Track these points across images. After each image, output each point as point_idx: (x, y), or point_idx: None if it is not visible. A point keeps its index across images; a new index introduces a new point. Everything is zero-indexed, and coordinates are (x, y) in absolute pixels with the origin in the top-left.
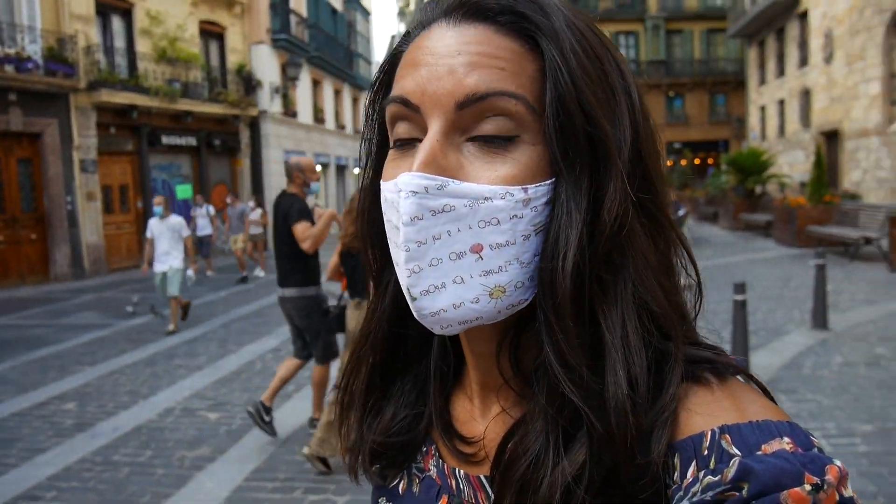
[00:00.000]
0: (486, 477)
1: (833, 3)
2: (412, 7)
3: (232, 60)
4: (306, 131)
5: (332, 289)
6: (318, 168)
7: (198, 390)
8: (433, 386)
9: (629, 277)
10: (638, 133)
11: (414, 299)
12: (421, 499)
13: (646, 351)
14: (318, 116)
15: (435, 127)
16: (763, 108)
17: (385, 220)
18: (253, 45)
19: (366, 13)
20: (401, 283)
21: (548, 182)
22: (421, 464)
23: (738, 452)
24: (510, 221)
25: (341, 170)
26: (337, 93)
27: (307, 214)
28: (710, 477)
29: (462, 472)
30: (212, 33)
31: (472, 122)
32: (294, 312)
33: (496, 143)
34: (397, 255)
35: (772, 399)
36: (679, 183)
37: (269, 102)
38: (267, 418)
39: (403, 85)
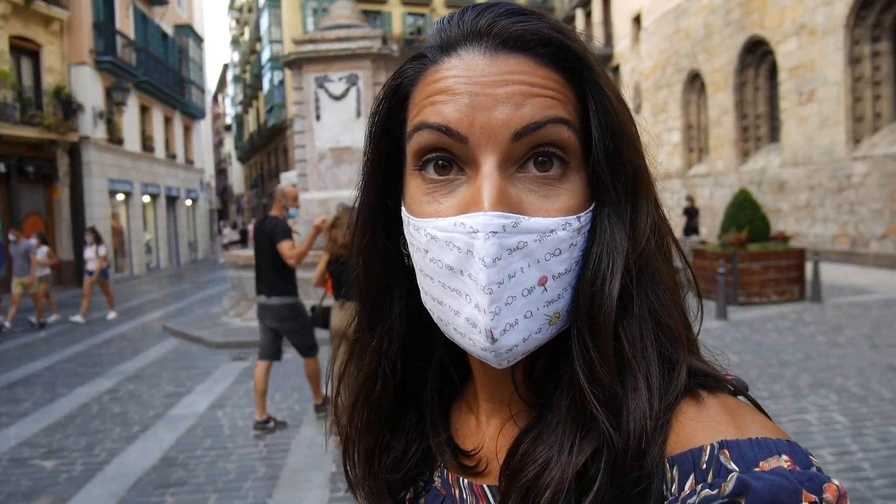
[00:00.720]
0: (489, 487)
1: (640, 60)
2: (246, 36)
3: (49, 81)
4: (133, 159)
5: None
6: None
7: (26, 438)
8: (432, 413)
9: (646, 294)
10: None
11: (495, 340)
12: None
13: (658, 361)
14: (147, 144)
15: (491, 161)
16: None
17: (426, 257)
18: (73, 65)
19: (199, 39)
20: (463, 321)
21: (591, 209)
22: (426, 475)
23: (737, 468)
24: (569, 250)
25: (172, 201)
26: (168, 120)
27: (289, 234)
28: (707, 490)
29: (465, 481)
30: (25, 50)
31: (525, 152)
32: (278, 317)
33: (551, 174)
34: (452, 298)
35: (767, 417)
36: None
37: (91, 128)
38: (271, 425)
39: (443, 113)
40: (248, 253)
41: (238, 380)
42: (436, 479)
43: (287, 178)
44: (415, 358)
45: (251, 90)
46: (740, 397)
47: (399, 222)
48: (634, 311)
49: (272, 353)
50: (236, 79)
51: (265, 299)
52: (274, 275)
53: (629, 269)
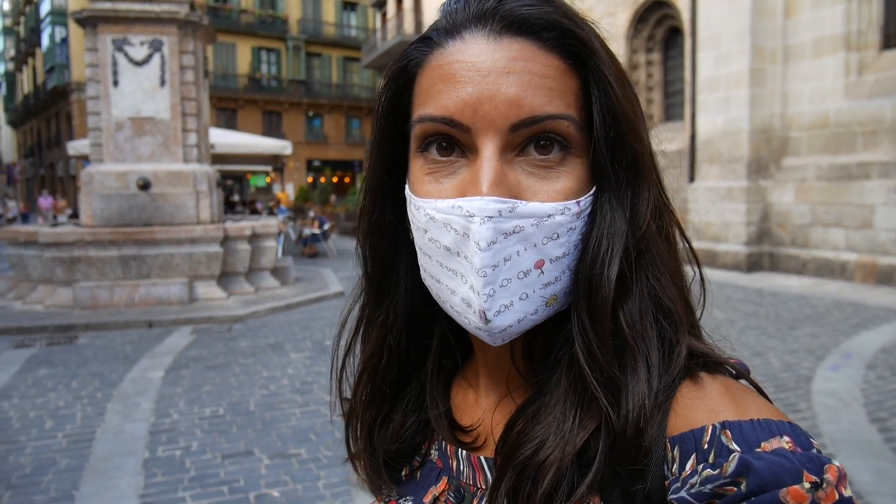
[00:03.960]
0: (486, 459)
1: None
2: None
3: None
4: None
5: None
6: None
7: None
8: (432, 386)
9: (646, 277)
10: (649, 140)
11: (488, 321)
12: (423, 483)
13: (660, 343)
14: None
15: (491, 147)
16: None
17: (425, 237)
18: None
19: None
20: (459, 300)
21: (592, 193)
22: (423, 450)
23: (738, 448)
24: (567, 234)
25: None
26: None
27: None
28: (709, 470)
29: (464, 452)
30: None
31: (524, 139)
32: None
33: (551, 158)
34: (448, 277)
35: (769, 400)
36: (321, 199)
37: None
38: None
39: (446, 103)
40: (30, 228)
41: (25, 368)
42: (433, 451)
43: (75, 148)
44: (419, 332)
45: (26, 45)
46: (742, 381)
47: (405, 200)
48: (635, 293)
49: None
50: (6, 30)
51: None
52: None
53: (629, 253)
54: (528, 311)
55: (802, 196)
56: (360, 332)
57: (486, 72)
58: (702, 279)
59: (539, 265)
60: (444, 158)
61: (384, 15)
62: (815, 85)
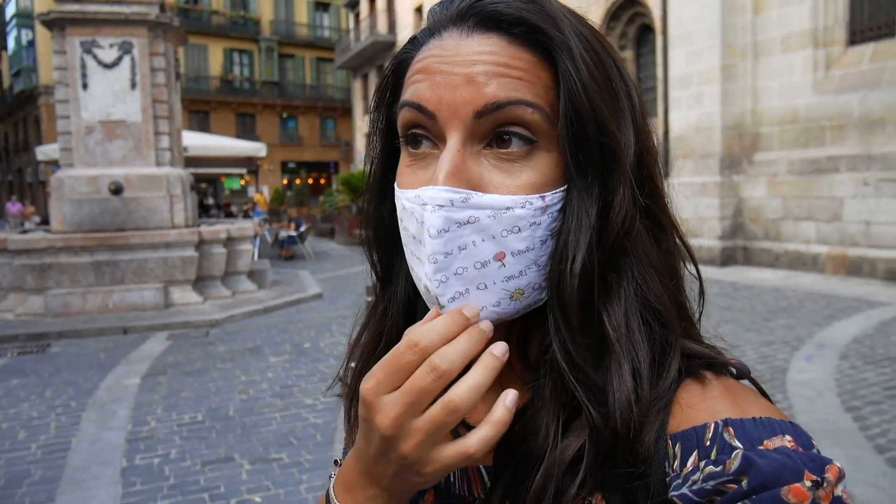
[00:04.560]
0: (485, 468)
1: None
2: None
3: None
4: None
5: None
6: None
7: None
8: None
9: (632, 277)
10: (639, 135)
11: (442, 307)
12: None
13: (648, 345)
14: None
15: (454, 137)
16: (368, 135)
17: (401, 226)
18: None
19: None
20: (423, 290)
21: (562, 189)
22: None
23: (741, 445)
24: (530, 228)
25: None
26: None
27: None
28: (711, 467)
29: None
30: None
31: (490, 130)
32: None
33: (514, 152)
34: (416, 263)
35: (770, 401)
36: (296, 200)
37: None
38: None
39: (418, 91)
40: None
41: None
42: None
43: (44, 153)
44: (418, 320)
45: None
46: (744, 381)
47: None
48: (620, 295)
49: None
50: None
51: None
52: None
53: (603, 250)
54: (488, 302)
55: (774, 190)
56: (367, 317)
57: (455, 63)
58: (700, 281)
59: (499, 257)
60: (418, 151)
61: (357, 15)
62: (784, 81)
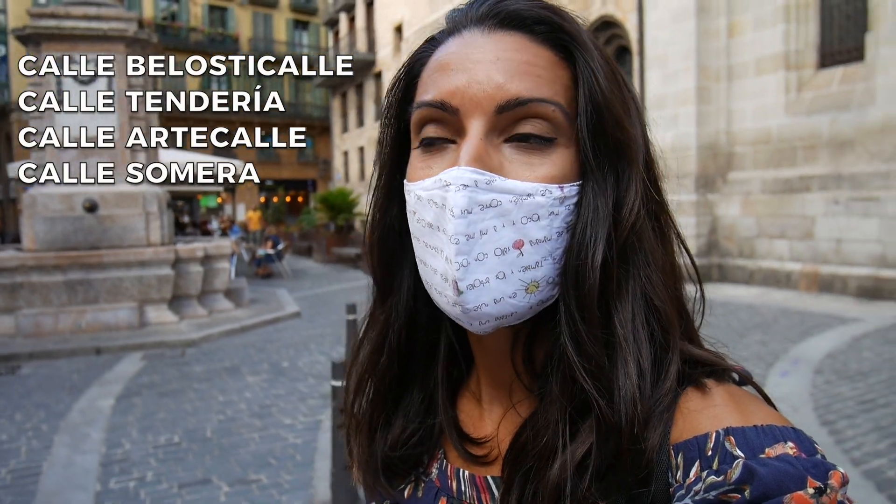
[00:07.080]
0: (493, 478)
1: (389, 70)
2: None
3: None
4: None
5: None
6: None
7: None
8: (442, 391)
9: (639, 275)
10: (645, 139)
11: (460, 293)
12: (423, 502)
13: (650, 345)
14: None
15: (476, 127)
16: (346, 153)
17: (412, 220)
18: None
19: None
20: (439, 281)
21: (578, 183)
22: (425, 463)
23: (742, 454)
24: (548, 218)
25: None
26: None
27: None
28: (713, 477)
29: (466, 473)
30: None
31: (510, 125)
32: None
33: (534, 145)
34: (430, 255)
35: (773, 406)
36: (274, 218)
37: None
38: None
39: (439, 88)
40: None
41: None
42: (433, 470)
43: (16, 170)
44: (420, 331)
45: None
46: (746, 387)
47: None
48: (629, 291)
49: None
50: None
51: None
52: None
53: (616, 247)
54: (505, 293)
55: (748, 209)
56: (366, 331)
57: (476, 60)
58: (700, 285)
59: (518, 245)
60: (436, 146)
61: (336, 34)
62: (757, 102)
